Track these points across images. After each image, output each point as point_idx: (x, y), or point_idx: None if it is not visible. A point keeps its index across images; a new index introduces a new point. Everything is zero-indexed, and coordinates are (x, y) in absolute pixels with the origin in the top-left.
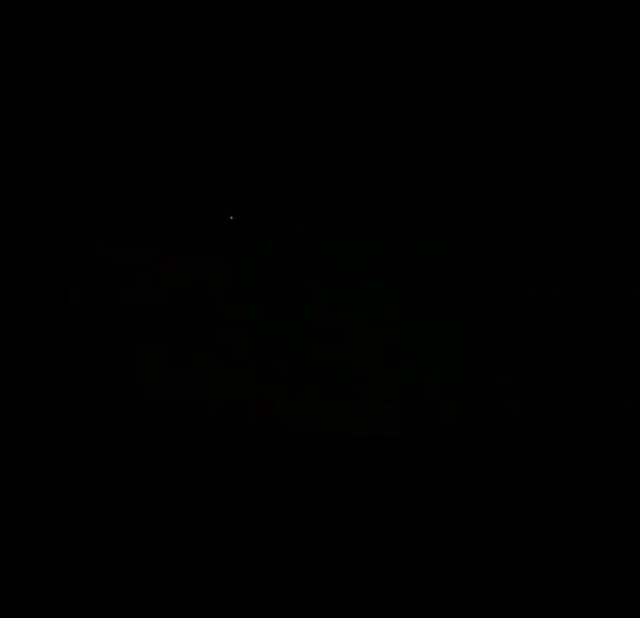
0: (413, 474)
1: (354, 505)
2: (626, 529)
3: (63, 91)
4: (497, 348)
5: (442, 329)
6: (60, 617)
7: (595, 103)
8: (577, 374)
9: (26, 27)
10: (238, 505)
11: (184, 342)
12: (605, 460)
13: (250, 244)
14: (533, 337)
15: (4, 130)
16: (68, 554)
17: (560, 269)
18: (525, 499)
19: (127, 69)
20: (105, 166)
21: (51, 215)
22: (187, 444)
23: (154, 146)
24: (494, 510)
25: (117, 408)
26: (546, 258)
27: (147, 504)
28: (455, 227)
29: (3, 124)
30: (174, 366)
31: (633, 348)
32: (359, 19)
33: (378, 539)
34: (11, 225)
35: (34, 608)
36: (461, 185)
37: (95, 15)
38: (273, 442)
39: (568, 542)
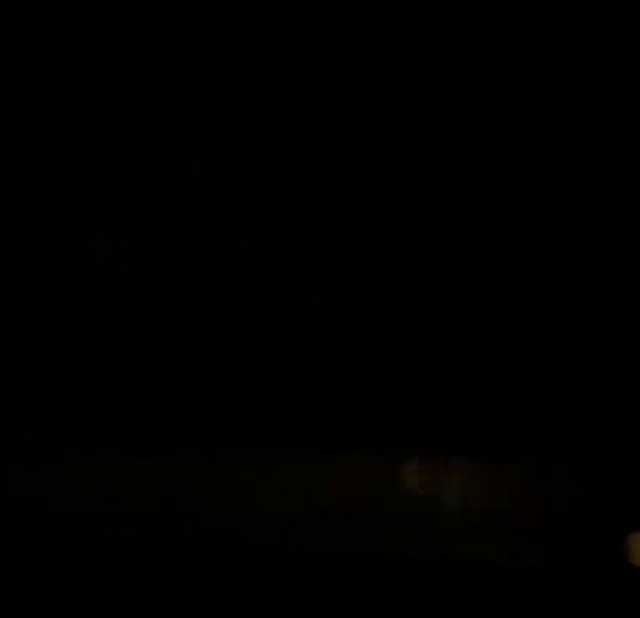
0: None
1: None
2: None
3: (63, 91)
4: None
5: None
6: None
7: (595, 103)
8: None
9: (26, 27)
10: None
11: None
12: None
13: None
14: None
15: (4, 130)
16: None
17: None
18: None
19: (127, 69)
20: (104, 166)
21: (51, 214)
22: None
23: (155, 146)
24: None
25: None
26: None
27: None
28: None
29: (3, 124)
30: None
31: None
32: (359, 19)
33: None
34: (11, 225)
35: None
36: (460, 185)
37: (95, 14)
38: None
39: None
